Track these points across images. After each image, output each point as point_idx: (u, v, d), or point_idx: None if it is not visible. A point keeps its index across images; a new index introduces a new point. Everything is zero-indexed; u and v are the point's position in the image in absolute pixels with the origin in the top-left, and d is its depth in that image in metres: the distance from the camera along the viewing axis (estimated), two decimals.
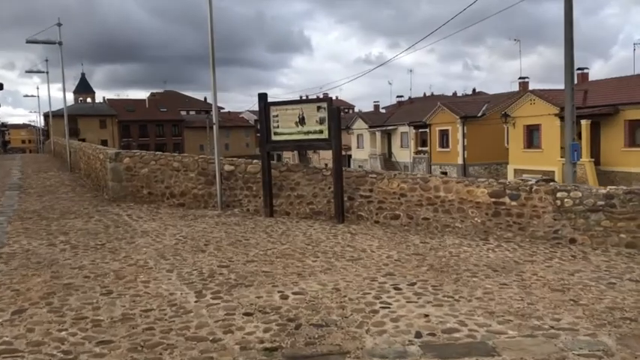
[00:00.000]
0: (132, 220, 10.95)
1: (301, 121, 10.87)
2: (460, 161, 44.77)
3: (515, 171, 38.92)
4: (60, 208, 12.52)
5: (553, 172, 35.24)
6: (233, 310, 5.39)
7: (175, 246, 8.53)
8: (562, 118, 35.13)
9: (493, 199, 9.48)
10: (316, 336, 4.65)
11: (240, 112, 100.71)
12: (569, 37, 16.39)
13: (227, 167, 12.33)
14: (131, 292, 6.01)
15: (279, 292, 6.00)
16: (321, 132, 10.68)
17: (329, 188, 11.09)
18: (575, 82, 42.59)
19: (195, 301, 5.67)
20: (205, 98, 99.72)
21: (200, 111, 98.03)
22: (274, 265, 7.23)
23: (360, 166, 55.39)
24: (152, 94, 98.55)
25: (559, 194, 8.98)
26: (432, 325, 4.94)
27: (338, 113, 10.53)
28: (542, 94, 36.43)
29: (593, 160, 33.06)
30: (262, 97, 11.27)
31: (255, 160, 12.27)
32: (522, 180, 10.80)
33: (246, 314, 5.26)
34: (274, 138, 11.21)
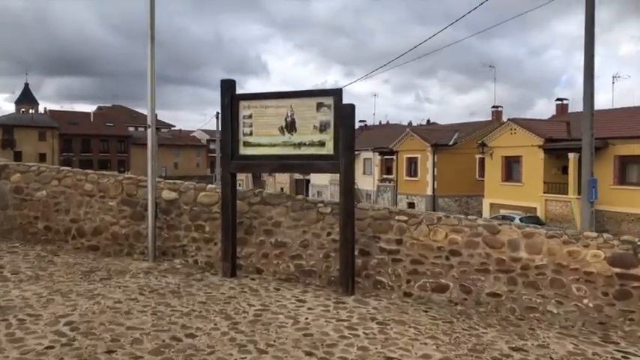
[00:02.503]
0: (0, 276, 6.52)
1: (289, 125, 6.76)
2: (429, 192, 41.58)
3: (492, 205, 35.82)
4: None
5: (535, 208, 32.26)
6: None
7: (43, 357, 4.20)
8: (547, 150, 32.48)
9: (617, 269, 5.60)
10: None
11: (192, 131, 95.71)
12: (589, 65, 14.68)
13: (166, 194, 8.03)
14: None
15: None
16: (321, 144, 6.60)
17: (328, 234, 6.98)
18: (554, 113, 40.38)
19: None
20: (156, 115, 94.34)
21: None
22: None
23: (318, 192, 51.34)
24: (99, 108, 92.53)
25: None
26: None
27: (351, 114, 6.45)
28: (525, 124, 33.64)
29: (580, 197, 30.06)
30: (228, 86, 7.09)
31: (210, 186, 8.01)
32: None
33: None
34: (244, 151, 7.03)
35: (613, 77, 79.07)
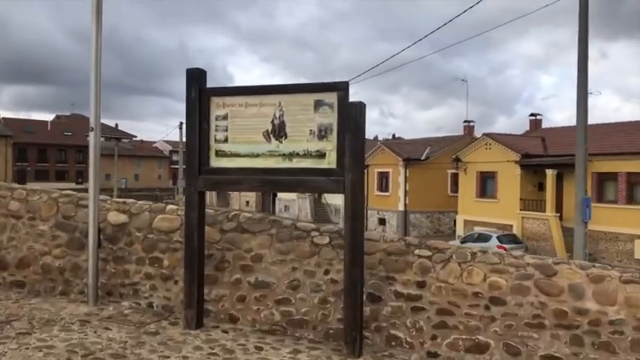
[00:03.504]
0: None
1: (278, 130, 5.13)
2: (401, 207, 40.35)
3: (466, 222, 34.77)
4: None
5: (511, 225, 31.25)
6: None
7: None
8: (523, 166, 31.62)
9: None
10: None
11: (154, 142, 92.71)
12: (582, 81, 14.21)
13: (114, 217, 6.25)
14: None
15: None
16: (320, 156, 4.97)
17: (325, 273, 5.35)
18: (528, 128, 39.77)
19: None
20: (117, 125, 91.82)
21: (110, 138, 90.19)
22: None
23: (285, 207, 49.42)
24: (57, 117, 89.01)
25: None
26: None
27: (361, 115, 4.84)
28: (501, 139, 32.74)
29: (558, 214, 29.34)
30: (196, 76, 5.39)
31: (170, 207, 6.28)
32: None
33: None
34: (217, 163, 5.34)
35: (591, 93, 79.88)
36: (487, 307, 4.78)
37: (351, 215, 4.84)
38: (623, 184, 27.74)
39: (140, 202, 6.37)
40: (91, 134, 6.15)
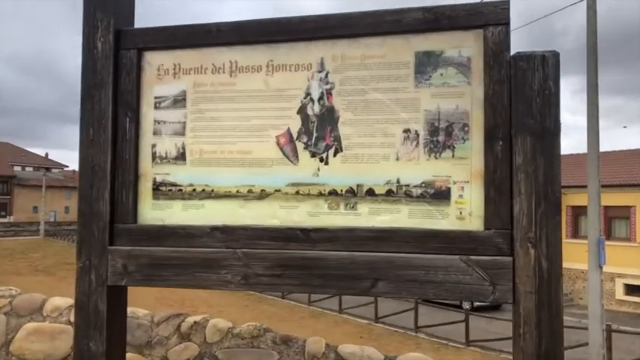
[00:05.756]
0: None
1: (314, 130, 1.98)
2: None
3: None
4: None
5: None
6: None
7: None
8: None
9: None
10: None
11: None
12: (592, 113, 12.59)
13: None
14: None
15: None
16: (436, 198, 1.86)
17: None
18: None
19: None
20: (47, 154, 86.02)
21: (39, 167, 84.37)
22: None
23: None
24: None
25: None
26: None
27: (553, 87, 1.80)
28: None
29: None
30: (108, 6, 2.22)
31: (55, 302, 2.94)
32: None
33: None
34: (157, 215, 2.13)
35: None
36: None
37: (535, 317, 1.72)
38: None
39: None
40: None
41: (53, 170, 79.01)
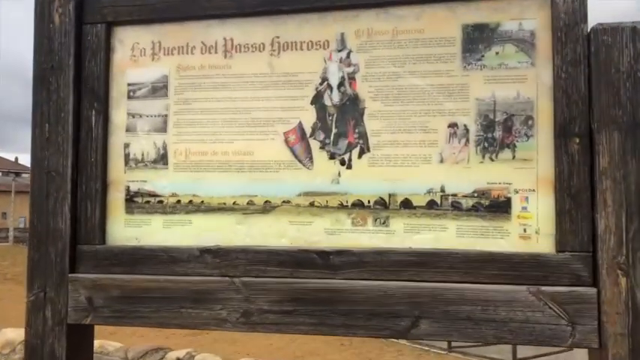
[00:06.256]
0: None
1: (332, 126, 1.55)
2: None
3: None
4: None
5: None
6: None
7: None
8: None
9: None
10: None
11: None
12: None
13: None
14: None
15: None
16: (492, 210, 1.45)
17: None
18: None
19: None
20: (17, 158, 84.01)
21: (8, 172, 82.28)
22: None
23: None
24: None
25: None
26: None
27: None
28: None
29: None
30: None
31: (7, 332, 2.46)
32: None
33: None
34: (130, 234, 1.70)
35: None
36: None
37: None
38: None
39: None
40: None
41: (23, 175, 76.84)
